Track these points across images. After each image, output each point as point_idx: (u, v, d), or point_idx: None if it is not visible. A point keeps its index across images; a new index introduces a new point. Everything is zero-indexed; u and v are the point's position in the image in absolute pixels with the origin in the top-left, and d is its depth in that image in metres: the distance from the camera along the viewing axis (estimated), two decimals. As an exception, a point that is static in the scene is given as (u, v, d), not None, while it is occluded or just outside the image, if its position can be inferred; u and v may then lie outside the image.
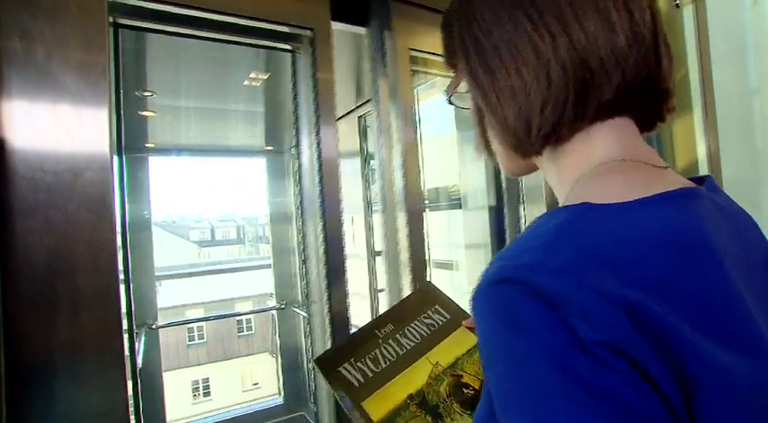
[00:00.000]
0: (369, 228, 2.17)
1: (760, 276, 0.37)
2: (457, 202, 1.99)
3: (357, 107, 2.10)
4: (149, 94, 1.62)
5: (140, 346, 2.22)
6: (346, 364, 0.53)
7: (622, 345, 0.27)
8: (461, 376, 0.53)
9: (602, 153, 0.40)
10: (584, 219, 0.33)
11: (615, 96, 0.38)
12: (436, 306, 0.59)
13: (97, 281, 0.73)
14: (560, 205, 0.39)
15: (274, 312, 3.30)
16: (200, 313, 15.75)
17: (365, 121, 2.13)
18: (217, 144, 2.83)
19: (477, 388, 0.52)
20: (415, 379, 0.52)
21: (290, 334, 3.16)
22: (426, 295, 0.61)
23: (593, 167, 0.39)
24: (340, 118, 2.29)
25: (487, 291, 0.32)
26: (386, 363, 0.53)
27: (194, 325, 13.90)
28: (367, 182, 2.16)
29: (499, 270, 0.32)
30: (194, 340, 15.55)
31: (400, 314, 0.59)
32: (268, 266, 4.03)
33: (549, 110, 0.38)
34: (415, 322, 0.57)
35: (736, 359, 0.29)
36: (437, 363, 0.54)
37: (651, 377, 0.27)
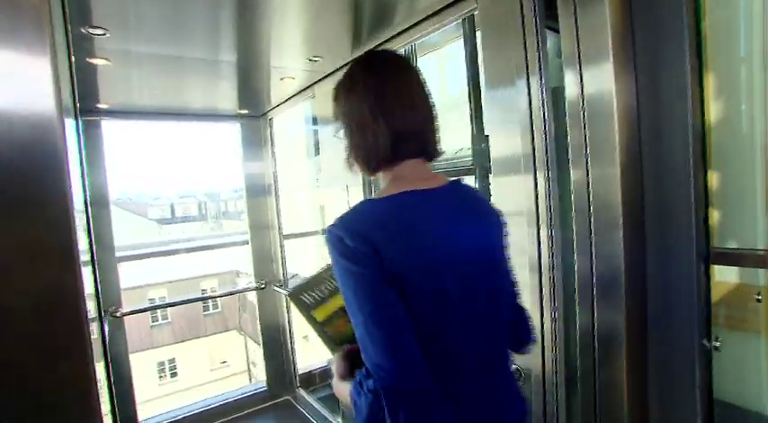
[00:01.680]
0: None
1: (472, 227, 0.79)
2: (468, 168, 1.80)
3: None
4: (100, 32, 1.28)
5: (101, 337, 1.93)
6: (305, 294, 0.89)
7: (362, 250, 0.67)
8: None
9: (400, 174, 0.80)
10: (365, 204, 0.79)
11: (413, 152, 0.80)
12: None
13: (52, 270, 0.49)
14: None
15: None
16: (163, 293, 15.16)
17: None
18: (183, 106, 2.46)
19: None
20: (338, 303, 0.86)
21: (271, 316, 2.93)
22: None
23: (392, 181, 0.80)
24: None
25: (331, 231, 0.72)
26: (327, 291, 0.89)
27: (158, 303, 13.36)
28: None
29: (343, 220, 0.73)
30: (158, 321, 15.00)
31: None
32: (235, 244, 3.76)
33: (378, 157, 0.79)
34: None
35: (425, 266, 0.70)
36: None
37: (386, 269, 0.67)
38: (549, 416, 1.11)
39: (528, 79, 1.08)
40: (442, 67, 2.83)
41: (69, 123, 0.87)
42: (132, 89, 2.06)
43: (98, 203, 2.34)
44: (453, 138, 2.71)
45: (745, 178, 0.96)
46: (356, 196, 1.95)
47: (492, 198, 1.22)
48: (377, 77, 0.80)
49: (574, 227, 1.01)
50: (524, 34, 1.08)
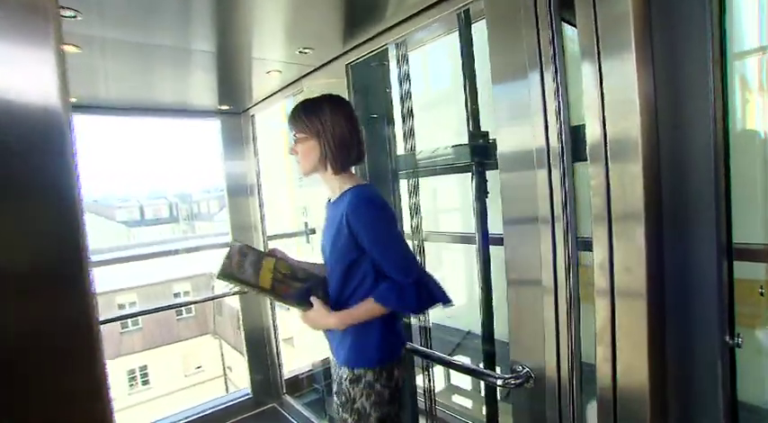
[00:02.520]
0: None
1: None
2: (464, 165, 1.75)
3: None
4: (70, 14, 1.14)
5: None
6: (238, 270, 1.17)
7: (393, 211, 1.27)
8: (279, 269, 1.27)
9: (352, 173, 1.31)
10: (366, 185, 1.29)
11: (355, 160, 1.29)
12: (253, 249, 1.30)
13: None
14: (346, 187, 1.26)
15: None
16: (132, 298, 14.60)
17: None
18: (158, 101, 2.31)
19: (283, 273, 1.27)
20: (267, 267, 1.25)
21: (254, 320, 2.82)
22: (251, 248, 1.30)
23: (350, 177, 1.29)
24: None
25: (375, 200, 1.20)
26: (254, 261, 1.24)
27: (127, 311, 12.84)
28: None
29: (374, 193, 1.24)
30: (128, 327, 14.42)
31: (252, 249, 1.29)
32: (214, 246, 3.61)
33: (347, 162, 1.27)
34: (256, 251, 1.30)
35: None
36: (272, 264, 1.28)
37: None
38: (565, 419, 1.07)
39: (542, 72, 1.04)
40: (429, 63, 2.78)
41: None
42: (103, 81, 1.92)
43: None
44: (445, 134, 2.67)
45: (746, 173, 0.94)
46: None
47: (500, 195, 1.17)
48: (348, 108, 1.29)
49: (591, 223, 0.97)
50: (537, 26, 1.03)
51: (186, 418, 2.59)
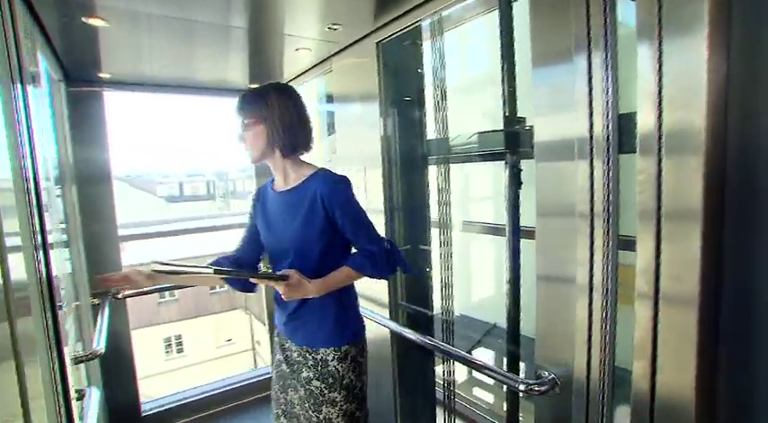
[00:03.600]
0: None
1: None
2: (498, 152, 1.65)
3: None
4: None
5: (102, 320, 1.84)
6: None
7: None
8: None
9: (304, 159, 1.36)
10: (328, 169, 1.33)
11: (304, 146, 1.33)
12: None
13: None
14: (306, 172, 1.32)
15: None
16: (170, 270, 15.24)
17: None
18: (189, 78, 2.31)
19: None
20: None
21: (277, 301, 2.83)
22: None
23: (302, 163, 1.35)
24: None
25: (347, 182, 1.28)
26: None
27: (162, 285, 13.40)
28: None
29: (340, 175, 1.29)
30: (165, 298, 15.11)
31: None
32: (242, 225, 3.64)
33: (298, 148, 1.31)
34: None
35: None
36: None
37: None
38: (592, 432, 0.99)
39: (589, 53, 0.93)
40: (466, 44, 2.65)
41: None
42: (135, 57, 1.92)
43: (98, 179, 2.23)
44: (480, 122, 2.55)
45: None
46: (374, 177, 1.81)
47: (535, 186, 1.08)
48: (295, 94, 1.32)
49: (637, 220, 0.87)
50: (588, 1, 0.92)
51: (212, 390, 2.66)
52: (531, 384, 1.05)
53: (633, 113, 0.87)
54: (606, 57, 0.91)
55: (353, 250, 1.35)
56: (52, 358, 0.83)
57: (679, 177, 0.80)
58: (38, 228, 0.82)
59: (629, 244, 0.92)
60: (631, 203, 0.90)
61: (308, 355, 1.30)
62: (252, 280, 1.30)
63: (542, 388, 1.04)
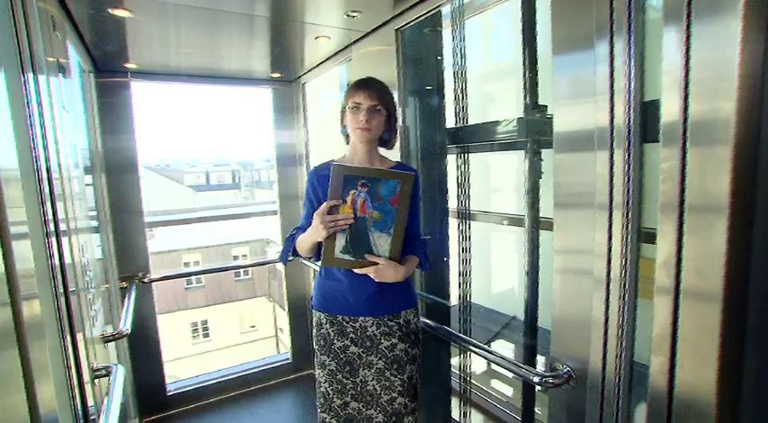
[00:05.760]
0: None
1: None
2: (517, 141, 1.62)
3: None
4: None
5: (129, 302, 1.92)
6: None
7: None
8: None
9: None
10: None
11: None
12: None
13: None
14: (389, 162, 1.46)
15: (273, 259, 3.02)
16: (197, 257, 15.70)
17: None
18: (215, 68, 2.35)
19: None
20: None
21: (297, 287, 2.89)
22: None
23: (384, 154, 1.48)
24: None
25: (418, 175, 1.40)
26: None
27: (191, 269, 13.81)
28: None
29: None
30: (192, 284, 15.60)
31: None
32: (266, 213, 3.71)
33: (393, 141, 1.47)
34: None
35: None
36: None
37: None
38: (606, 427, 0.98)
39: (612, 39, 0.89)
40: (487, 32, 2.59)
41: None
42: (161, 47, 1.96)
43: (126, 168, 2.30)
44: (498, 109, 2.50)
45: None
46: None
47: (554, 176, 1.06)
48: None
49: (658, 212, 0.84)
50: (611, -18, 0.88)
51: (233, 374, 2.75)
52: (546, 376, 1.04)
53: (655, 101, 0.83)
54: (630, 40, 0.87)
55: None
56: (65, 339, 0.87)
57: (704, 169, 0.76)
58: (50, 216, 0.85)
59: (650, 237, 0.89)
60: (654, 195, 0.87)
61: (390, 322, 1.39)
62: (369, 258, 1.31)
63: (557, 381, 1.03)
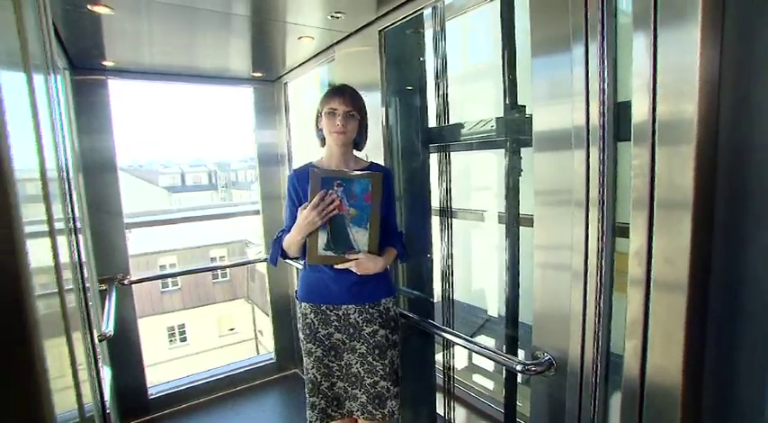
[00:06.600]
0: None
1: None
2: (496, 141, 1.67)
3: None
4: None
5: (110, 304, 1.88)
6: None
7: None
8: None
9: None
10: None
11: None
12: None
13: None
14: (362, 163, 1.56)
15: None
16: (173, 260, 15.35)
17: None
18: (194, 66, 2.32)
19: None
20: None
21: (280, 287, 2.88)
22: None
23: (357, 155, 1.58)
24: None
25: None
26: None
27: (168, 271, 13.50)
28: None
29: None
30: (168, 287, 15.24)
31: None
32: (246, 213, 3.68)
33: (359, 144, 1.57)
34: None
35: None
36: None
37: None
38: (585, 411, 1.03)
39: (587, 42, 0.94)
40: (468, 33, 2.65)
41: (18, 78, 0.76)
42: (139, 45, 1.94)
43: (104, 168, 2.26)
44: (478, 109, 2.56)
45: None
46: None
47: (534, 174, 1.10)
48: None
49: (630, 208, 0.90)
50: (586, -10, 0.93)
51: (216, 375, 2.72)
52: (529, 364, 1.09)
53: (627, 102, 0.89)
54: (603, 44, 0.92)
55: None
56: (86, 333, 0.88)
57: (671, 166, 0.82)
58: (70, 214, 0.86)
59: (624, 231, 0.94)
60: (627, 191, 0.92)
61: (371, 309, 1.49)
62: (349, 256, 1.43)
63: (539, 368, 1.07)
